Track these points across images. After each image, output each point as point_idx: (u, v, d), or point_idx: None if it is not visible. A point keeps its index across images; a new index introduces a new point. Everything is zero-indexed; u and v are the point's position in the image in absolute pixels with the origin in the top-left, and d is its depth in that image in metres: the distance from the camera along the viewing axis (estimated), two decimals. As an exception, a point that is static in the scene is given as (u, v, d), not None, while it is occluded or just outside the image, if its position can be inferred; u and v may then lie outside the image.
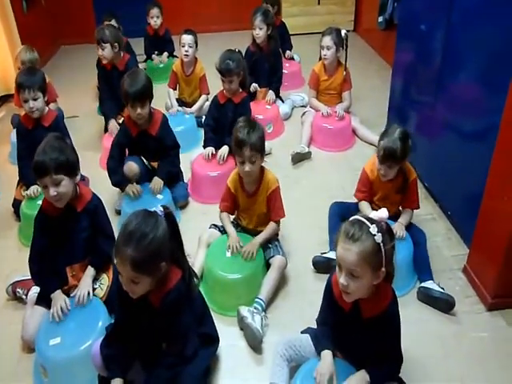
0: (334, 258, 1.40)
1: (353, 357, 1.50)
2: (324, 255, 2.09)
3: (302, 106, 3.55)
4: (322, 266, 2.09)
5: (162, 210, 1.44)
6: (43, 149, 1.71)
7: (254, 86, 3.32)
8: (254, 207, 2.09)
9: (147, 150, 2.49)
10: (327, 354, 1.47)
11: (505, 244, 1.78)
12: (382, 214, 1.37)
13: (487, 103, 1.98)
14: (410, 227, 2.11)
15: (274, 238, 2.11)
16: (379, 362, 1.43)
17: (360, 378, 1.41)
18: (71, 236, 1.80)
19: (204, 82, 3.38)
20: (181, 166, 2.66)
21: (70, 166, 1.74)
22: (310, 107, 3.32)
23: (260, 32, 3.31)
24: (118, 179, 2.42)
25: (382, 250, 1.30)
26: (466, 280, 2.05)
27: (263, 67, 3.39)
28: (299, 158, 2.96)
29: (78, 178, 1.79)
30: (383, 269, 1.34)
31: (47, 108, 2.50)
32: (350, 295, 1.36)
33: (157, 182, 2.43)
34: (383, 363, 1.44)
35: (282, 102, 3.57)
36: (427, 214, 2.46)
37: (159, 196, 2.38)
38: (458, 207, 2.31)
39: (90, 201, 1.83)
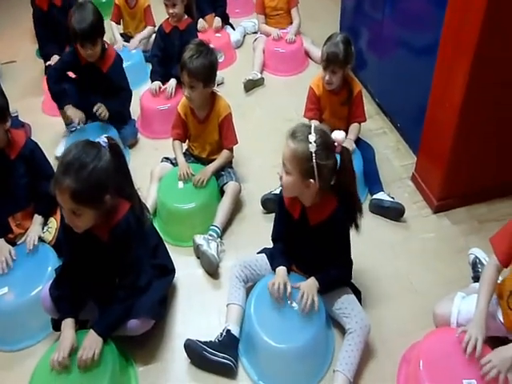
0: None
1: (306, 267, 1.46)
2: (272, 192, 1.90)
3: (255, 33, 3.23)
4: (272, 204, 1.84)
5: (105, 140, 1.26)
6: None
7: (201, 24, 2.95)
8: (205, 134, 1.92)
9: (95, 87, 2.16)
10: (281, 269, 1.41)
11: (447, 148, 1.72)
12: (338, 135, 1.27)
13: (430, 17, 1.87)
14: (359, 143, 2.02)
15: (227, 166, 1.96)
16: (330, 268, 1.39)
17: (310, 284, 1.36)
18: (9, 185, 1.60)
19: (149, 13, 2.99)
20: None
21: None
22: (261, 33, 3.02)
23: None
24: (58, 90, 2.09)
25: (314, 160, 1.22)
26: (414, 187, 2.00)
27: None
28: (252, 85, 2.71)
29: (9, 124, 1.56)
30: (313, 181, 1.26)
31: None
32: (284, 188, 1.35)
33: (102, 106, 2.11)
34: (333, 269, 1.39)
35: (233, 29, 3.23)
36: (378, 128, 2.37)
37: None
38: (407, 119, 2.25)
39: (24, 146, 1.61)
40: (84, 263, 1.34)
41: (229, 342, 1.36)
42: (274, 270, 1.43)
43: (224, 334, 1.37)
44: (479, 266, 1.55)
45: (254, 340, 1.34)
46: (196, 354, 1.34)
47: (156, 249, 1.50)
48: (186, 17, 2.49)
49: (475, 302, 1.26)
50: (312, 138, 1.22)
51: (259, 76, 2.74)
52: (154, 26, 2.94)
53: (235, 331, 1.38)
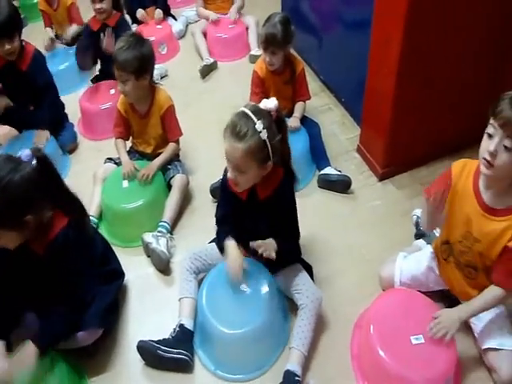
0: None
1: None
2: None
3: (198, 21, 3.10)
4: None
5: (29, 154, 1.12)
6: None
7: (140, 14, 2.80)
8: (148, 129, 1.83)
9: (16, 89, 2.00)
10: (231, 246, 1.30)
11: (388, 116, 1.70)
12: (270, 104, 1.20)
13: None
14: (305, 121, 1.98)
15: (174, 159, 1.87)
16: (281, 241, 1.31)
17: (270, 242, 1.28)
18: None
19: (74, 11, 2.73)
20: (68, 106, 2.25)
21: None
22: (200, 17, 2.92)
23: None
24: None
25: (268, 145, 1.18)
26: (360, 158, 1.97)
27: None
28: (208, 70, 2.62)
29: None
30: (270, 162, 1.22)
31: None
32: (240, 186, 1.27)
33: (41, 133, 1.99)
34: (284, 242, 1.32)
35: (175, 19, 3.09)
36: (324, 105, 2.32)
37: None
38: (350, 93, 2.21)
39: None
40: (19, 279, 1.22)
41: (183, 337, 1.30)
42: (221, 251, 1.35)
43: (177, 329, 1.31)
44: (421, 225, 1.56)
45: (208, 330, 1.29)
46: (150, 354, 1.28)
47: (104, 256, 1.41)
48: (115, 12, 2.31)
49: (417, 260, 1.26)
50: (259, 126, 1.14)
51: (212, 60, 2.65)
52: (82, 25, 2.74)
53: (189, 325, 1.33)
